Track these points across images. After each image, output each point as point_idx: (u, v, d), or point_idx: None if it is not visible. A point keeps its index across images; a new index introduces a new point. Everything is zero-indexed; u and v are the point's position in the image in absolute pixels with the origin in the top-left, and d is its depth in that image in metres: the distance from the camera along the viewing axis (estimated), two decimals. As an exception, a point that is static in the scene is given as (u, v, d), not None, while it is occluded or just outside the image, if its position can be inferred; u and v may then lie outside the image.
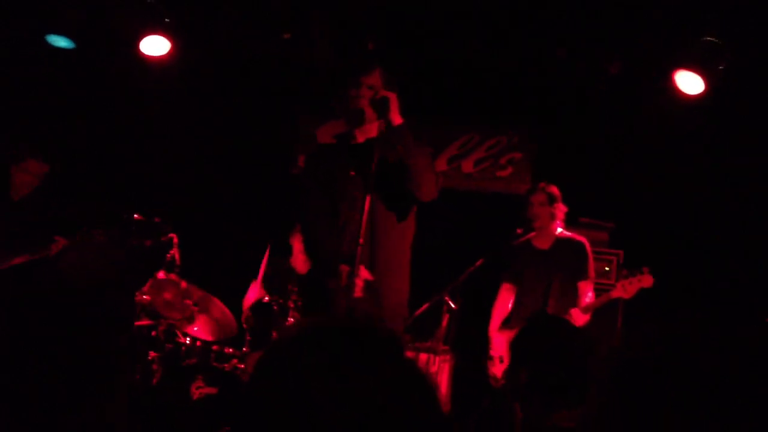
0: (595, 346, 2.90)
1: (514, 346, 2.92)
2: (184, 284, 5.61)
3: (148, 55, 6.19)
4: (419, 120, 4.03)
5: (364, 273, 3.64)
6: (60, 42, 6.20)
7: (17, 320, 1.89)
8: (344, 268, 3.66)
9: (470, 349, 5.87)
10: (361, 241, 3.58)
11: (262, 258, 5.89)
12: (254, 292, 5.89)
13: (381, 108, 3.76)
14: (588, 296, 5.42)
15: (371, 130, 3.95)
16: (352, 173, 3.86)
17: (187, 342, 5.42)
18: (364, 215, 3.62)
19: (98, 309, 1.86)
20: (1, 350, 1.81)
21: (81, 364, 1.82)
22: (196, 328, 5.59)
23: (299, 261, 5.84)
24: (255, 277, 6.03)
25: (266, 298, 5.54)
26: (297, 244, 5.78)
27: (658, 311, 5.44)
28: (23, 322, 1.88)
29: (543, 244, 5.60)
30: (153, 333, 5.39)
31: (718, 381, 0.98)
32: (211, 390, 4.99)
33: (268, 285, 5.85)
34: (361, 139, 3.99)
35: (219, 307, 5.71)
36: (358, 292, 3.58)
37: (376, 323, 1.22)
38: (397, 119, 3.78)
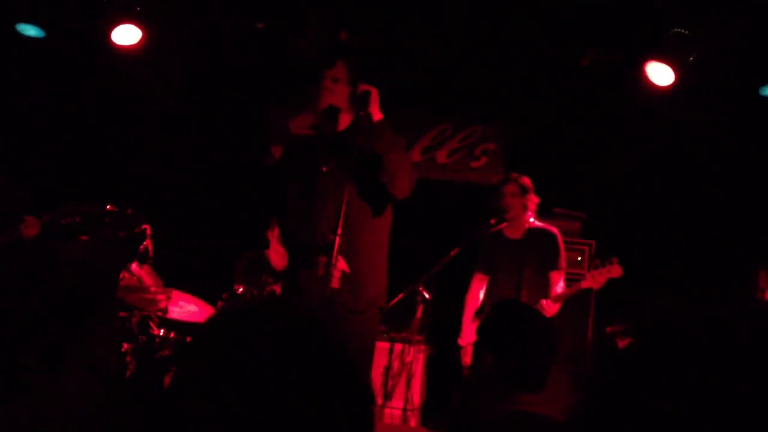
0: (559, 332, 2.96)
1: (481, 333, 2.97)
2: (155, 276, 5.60)
3: (119, 45, 6.14)
4: (393, 111, 4.04)
5: (341, 264, 3.65)
6: (30, 31, 6.12)
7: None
8: (321, 259, 3.66)
9: (445, 339, 5.91)
10: (339, 231, 3.59)
11: (237, 248, 5.88)
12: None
13: (362, 102, 3.77)
14: (559, 286, 5.47)
15: (341, 123, 3.95)
16: (324, 168, 3.86)
17: (161, 333, 5.40)
18: (342, 206, 3.63)
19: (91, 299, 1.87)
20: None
21: (66, 350, 1.82)
22: (177, 310, 5.58)
23: (275, 254, 5.85)
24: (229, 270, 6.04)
25: (240, 289, 5.54)
26: (273, 237, 5.79)
27: (630, 302, 5.52)
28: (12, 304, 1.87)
29: (515, 234, 5.63)
30: (126, 325, 5.37)
31: (701, 371, 1.00)
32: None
33: (244, 277, 5.85)
34: (330, 131, 3.98)
35: (191, 298, 5.70)
36: (335, 282, 3.58)
37: (295, 302, 1.26)
38: (377, 114, 3.78)
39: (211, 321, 1.22)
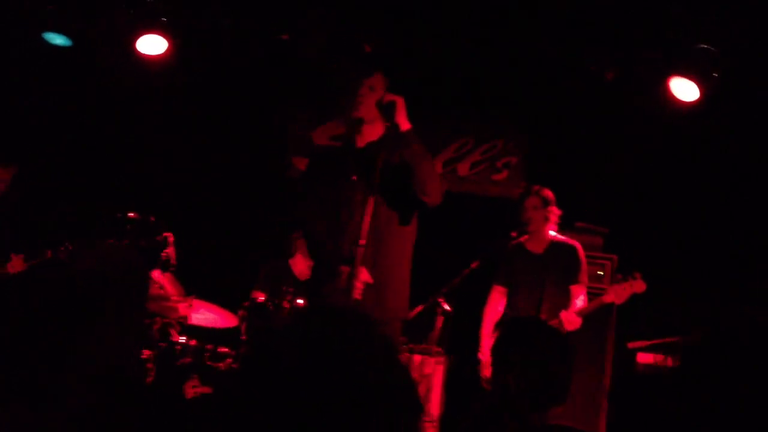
0: (572, 345, 2.96)
1: (495, 354, 2.97)
2: (177, 284, 5.64)
3: (144, 54, 6.19)
4: (414, 123, 4.04)
5: (364, 275, 3.65)
6: (57, 40, 6.18)
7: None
8: (344, 269, 3.66)
9: (464, 352, 5.89)
10: (362, 242, 3.59)
11: (258, 257, 5.90)
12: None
13: (388, 112, 3.77)
14: (580, 299, 5.43)
15: (372, 132, 3.95)
16: (354, 177, 3.86)
17: (182, 341, 5.43)
18: (366, 217, 3.63)
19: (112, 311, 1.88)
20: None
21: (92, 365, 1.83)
22: (199, 317, 5.61)
23: (298, 263, 5.86)
24: (250, 278, 6.04)
25: (261, 298, 5.55)
26: (298, 247, 5.80)
27: (651, 316, 5.48)
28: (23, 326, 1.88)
29: (536, 247, 5.61)
30: (148, 332, 5.40)
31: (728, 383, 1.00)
32: (206, 389, 5.01)
33: (265, 285, 5.87)
34: (361, 143, 3.99)
35: (211, 306, 5.73)
36: (357, 294, 3.59)
37: (360, 313, 1.28)
38: (405, 124, 3.78)
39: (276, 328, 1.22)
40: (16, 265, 5.06)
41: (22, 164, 5.57)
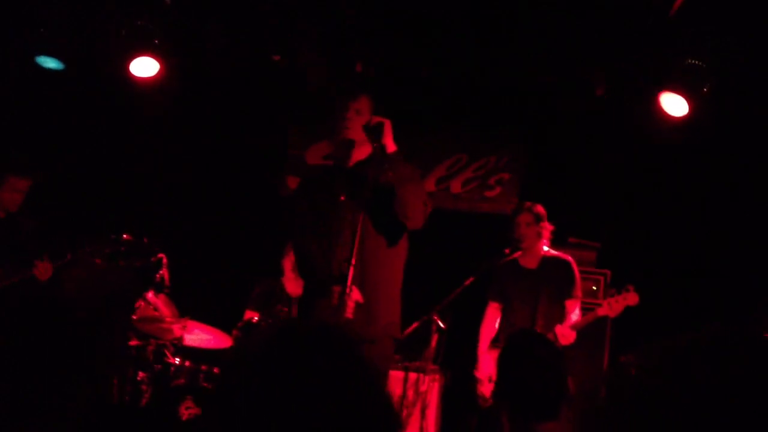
0: (568, 361, 2.99)
1: (500, 363, 3.00)
2: (171, 305, 5.64)
3: (137, 76, 6.20)
4: (407, 141, 4.06)
5: (355, 294, 3.66)
6: (49, 63, 6.19)
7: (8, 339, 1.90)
8: (336, 289, 3.67)
9: (459, 369, 5.88)
10: (353, 261, 3.60)
11: (251, 277, 5.90)
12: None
13: (376, 133, 3.80)
14: (575, 314, 5.45)
15: (360, 153, 3.98)
16: (342, 197, 3.89)
17: (176, 362, 5.42)
18: (357, 236, 3.64)
19: (95, 329, 1.88)
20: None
21: (73, 384, 1.83)
22: (193, 338, 5.60)
23: (290, 282, 5.86)
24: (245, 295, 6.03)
25: (255, 318, 5.55)
26: (288, 265, 5.80)
27: (646, 331, 5.48)
28: (15, 340, 1.89)
29: (530, 263, 5.63)
30: (142, 353, 5.39)
31: (719, 398, 1.00)
32: (200, 411, 4.99)
33: (258, 304, 5.87)
34: (350, 162, 4.01)
35: (206, 327, 5.73)
36: (348, 313, 3.59)
37: (332, 326, 1.28)
38: (391, 146, 3.81)
39: (254, 343, 1.23)
40: (42, 270, 5.05)
41: (38, 175, 5.59)
